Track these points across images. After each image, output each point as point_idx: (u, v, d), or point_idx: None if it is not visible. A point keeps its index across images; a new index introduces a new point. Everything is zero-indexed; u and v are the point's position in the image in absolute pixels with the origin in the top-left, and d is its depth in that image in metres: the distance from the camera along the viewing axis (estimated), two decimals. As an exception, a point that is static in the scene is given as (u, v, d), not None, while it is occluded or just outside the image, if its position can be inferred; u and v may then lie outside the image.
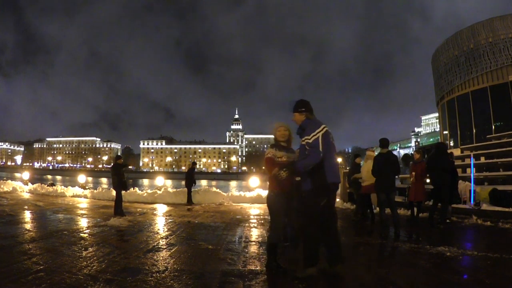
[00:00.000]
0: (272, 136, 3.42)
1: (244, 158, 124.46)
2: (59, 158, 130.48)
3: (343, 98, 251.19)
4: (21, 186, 13.25)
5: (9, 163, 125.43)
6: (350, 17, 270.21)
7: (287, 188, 3.18)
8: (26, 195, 11.49)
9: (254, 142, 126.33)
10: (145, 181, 47.29)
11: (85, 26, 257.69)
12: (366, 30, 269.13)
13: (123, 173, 7.79)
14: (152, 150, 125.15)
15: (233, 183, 53.29)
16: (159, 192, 11.18)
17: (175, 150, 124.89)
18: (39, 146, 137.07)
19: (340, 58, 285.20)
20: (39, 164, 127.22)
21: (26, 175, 16.87)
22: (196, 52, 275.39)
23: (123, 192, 7.99)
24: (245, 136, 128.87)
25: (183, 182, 10.85)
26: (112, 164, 8.04)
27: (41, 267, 3.16)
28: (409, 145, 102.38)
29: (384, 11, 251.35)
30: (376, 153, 6.20)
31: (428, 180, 7.24)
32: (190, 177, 10.60)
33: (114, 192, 11.39)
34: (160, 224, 6.25)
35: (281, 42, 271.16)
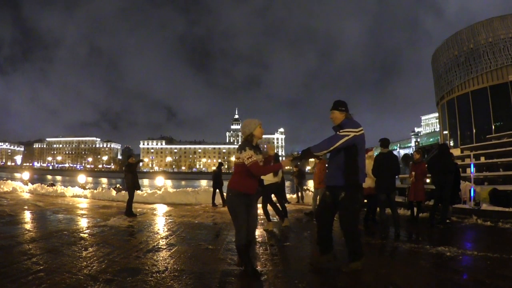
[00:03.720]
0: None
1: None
2: (59, 158, 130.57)
3: (347, 97, 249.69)
4: (21, 186, 13.26)
5: (9, 163, 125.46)
6: (360, 12, 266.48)
7: (252, 191, 3.09)
8: (26, 195, 11.49)
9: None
10: (145, 181, 47.31)
11: (85, 21, 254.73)
12: (376, 25, 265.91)
13: (136, 172, 7.68)
14: (152, 150, 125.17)
15: (233, 183, 53.22)
16: (159, 192, 11.19)
17: (175, 150, 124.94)
18: (39, 146, 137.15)
19: (347, 55, 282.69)
20: (39, 164, 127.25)
21: (26, 175, 16.89)
22: (200, 48, 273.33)
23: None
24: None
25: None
26: (125, 163, 7.87)
27: (41, 267, 3.16)
28: (409, 145, 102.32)
29: (396, 6, 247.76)
30: (376, 153, 6.18)
31: (428, 180, 7.22)
32: (220, 177, 10.12)
33: (114, 192, 11.46)
34: (160, 224, 6.25)
35: (288, 37, 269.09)
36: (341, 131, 3.14)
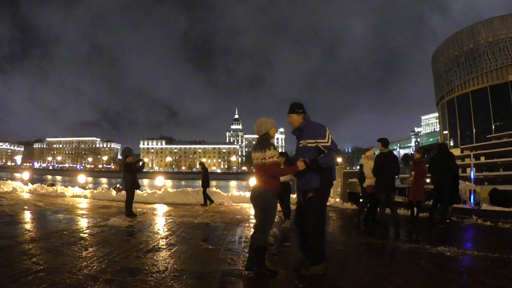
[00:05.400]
0: (274, 135, 3.28)
1: (244, 158, 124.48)
2: (59, 158, 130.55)
3: (350, 96, 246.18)
4: (21, 186, 13.24)
5: (9, 163, 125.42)
6: (365, 9, 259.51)
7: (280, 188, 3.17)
8: (26, 195, 11.48)
9: (254, 142, 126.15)
10: (145, 181, 47.30)
11: (85, 18, 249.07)
12: (381, 23, 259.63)
13: (135, 171, 7.67)
14: (152, 150, 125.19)
15: (233, 183, 53.36)
16: (159, 192, 11.19)
17: (175, 150, 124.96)
18: (39, 146, 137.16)
19: (351, 53, 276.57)
20: (39, 164, 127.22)
21: (26, 175, 16.86)
22: (202, 46, 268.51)
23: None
24: (245, 136, 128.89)
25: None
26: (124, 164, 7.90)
27: (41, 267, 3.16)
28: (409, 145, 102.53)
29: (401, 3, 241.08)
30: (376, 153, 6.18)
31: (428, 180, 7.21)
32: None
33: (114, 192, 11.46)
34: (160, 224, 6.25)
35: (292, 35, 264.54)
36: (325, 141, 3.09)
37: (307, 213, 3.18)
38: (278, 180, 3.13)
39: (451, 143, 22.51)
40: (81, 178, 16.29)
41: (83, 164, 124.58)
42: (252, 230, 3.29)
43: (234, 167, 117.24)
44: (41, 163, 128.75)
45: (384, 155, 5.42)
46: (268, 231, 3.16)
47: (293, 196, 11.95)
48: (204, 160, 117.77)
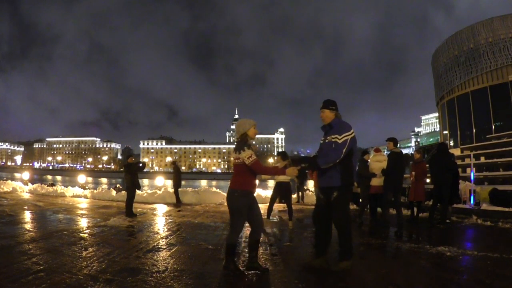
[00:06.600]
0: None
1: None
2: (59, 158, 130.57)
3: (352, 96, 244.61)
4: (21, 186, 13.24)
5: (9, 163, 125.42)
6: (368, 7, 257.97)
7: (255, 189, 3.18)
8: (26, 195, 11.48)
9: (254, 142, 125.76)
10: (145, 181, 47.29)
11: (85, 16, 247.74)
12: (385, 21, 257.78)
13: (136, 172, 7.68)
14: (152, 150, 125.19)
15: (233, 183, 53.22)
16: (159, 192, 11.18)
17: (175, 150, 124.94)
18: (39, 146, 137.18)
19: (354, 52, 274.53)
20: (39, 164, 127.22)
21: (26, 175, 16.88)
22: (204, 45, 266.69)
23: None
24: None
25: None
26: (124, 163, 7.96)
27: (41, 267, 3.16)
28: (409, 145, 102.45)
29: (405, 1, 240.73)
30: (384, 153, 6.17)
31: (428, 180, 7.21)
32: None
33: (114, 192, 11.46)
34: (160, 224, 6.25)
35: (294, 34, 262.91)
36: (339, 137, 3.15)
37: (335, 212, 3.26)
38: (250, 180, 3.10)
39: (451, 143, 22.52)
40: (81, 178, 16.30)
41: (83, 164, 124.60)
42: (249, 229, 3.28)
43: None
44: (41, 163, 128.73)
45: (397, 155, 5.42)
46: (237, 231, 3.13)
47: (293, 196, 11.96)
48: (204, 160, 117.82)
